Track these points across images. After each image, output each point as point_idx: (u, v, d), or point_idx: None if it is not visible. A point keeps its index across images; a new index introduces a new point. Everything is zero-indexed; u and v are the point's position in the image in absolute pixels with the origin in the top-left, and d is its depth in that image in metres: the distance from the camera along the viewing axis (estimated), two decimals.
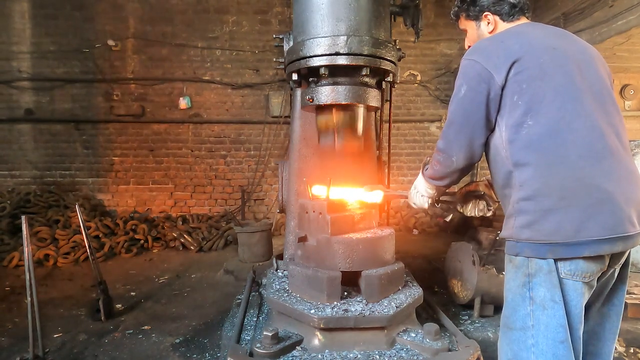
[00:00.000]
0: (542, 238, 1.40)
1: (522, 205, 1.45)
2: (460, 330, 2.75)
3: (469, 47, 1.81)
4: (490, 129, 1.55)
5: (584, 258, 1.38)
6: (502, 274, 2.97)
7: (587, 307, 1.49)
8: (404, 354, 2.05)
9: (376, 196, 2.20)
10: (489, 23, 1.76)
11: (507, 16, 1.71)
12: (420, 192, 1.86)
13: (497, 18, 1.74)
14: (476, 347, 2.17)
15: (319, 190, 2.46)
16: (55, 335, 3.08)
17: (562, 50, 1.51)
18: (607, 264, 1.44)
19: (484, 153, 1.63)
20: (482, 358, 2.19)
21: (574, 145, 1.40)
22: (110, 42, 6.50)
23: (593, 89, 1.48)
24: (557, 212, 1.38)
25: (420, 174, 1.84)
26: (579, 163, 1.39)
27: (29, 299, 2.58)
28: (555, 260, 1.40)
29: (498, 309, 3.10)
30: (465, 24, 1.86)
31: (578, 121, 1.42)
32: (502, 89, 1.48)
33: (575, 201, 1.37)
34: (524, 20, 1.72)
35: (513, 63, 1.46)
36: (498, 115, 1.52)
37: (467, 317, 3.26)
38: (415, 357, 2.02)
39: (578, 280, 1.39)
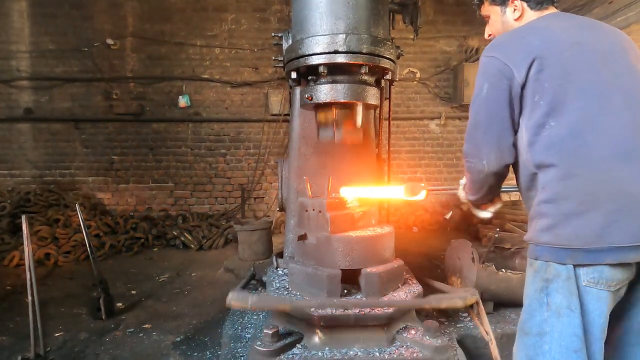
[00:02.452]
0: (562, 243, 1.34)
1: (542, 207, 1.40)
2: (460, 327, 2.76)
3: (490, 35, 1.75)
4: (515, 129, 1.48)
5: (610, 265, 1.31)
6: (502, 271, 2.98)
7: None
8: (403, 351, 2.06)
9: (419, 195, 2.05)
10: (515, 9, 1.63)
11: (535, 4, 1.60)
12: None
13: (524, 5, 1.61)
14: (474, 291, 2.19)
15: (346, 192, 2.44)
16: (56, 334, 3.09)
17: (587, 45, 1.43)
18: (635, 272, 1.36)
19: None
20: (480, 301, 2.20)
21: (597, 147, 1.33)
22: (109, 41, 6.48)
23: (624, 85, 1.39)
24: (578, 217, 1.32)
25: (461, 189, 1.78)
26: (603, 165, 1.31)
27: (29, 298, 2.58)
28: (575, 267, 1.33)
29: (497, 306, 3.11)
30: (489, 9, 1.72)
31: (604, 121, 1.34)
32: (522, 87, 1.41)
33: (597, 205, 1.30)
34: (551, 10, 1.61)
35: (533, 61, 1.39)
36: (520, 117, 1.46)
37: (466, 314, 3.27)
38: (415, 354, 2.03)
39: (603, 289, 1.32)
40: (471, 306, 2.70)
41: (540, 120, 1.39)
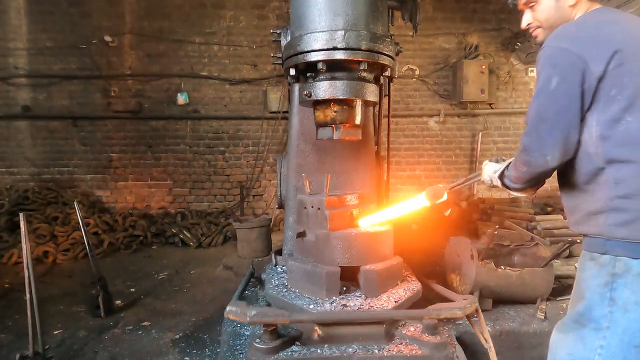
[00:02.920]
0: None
1: (618, 202, 1.38)
2: (459, 324, 2.76)
3: (529, 25, 1.66)
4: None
5: None
6: (501, 268, 2.98)
7: None
8: (402, 348, 2.05)
9: (442, 197, 2.00)
10: None
11: None
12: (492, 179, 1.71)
13: None
14: (473, 299, 2.21)
15: (367, 222, 2.43)
16: (55, 332, 3.09)
17: None
18: None
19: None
20: (479, 309, 2.21)
21: None
22: (107, 38, 6.46)
23: None
24: None
25: (497, 175, 1.69)
26: None
27: (28, 295, 2.58)
28: None
29: (496, 302, 3.11)
30: None
31: None
32: (599, 80, 1.36)
33: None
34: (598, 5, 1.55)
35: (614, 53, 1.35)
36: (588, 110, 1.41)
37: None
38: (414, 351, 2.03)
39: None
40: None
41: (616, 115, 1.37)
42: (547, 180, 1.57)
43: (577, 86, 1.38)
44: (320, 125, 2.51)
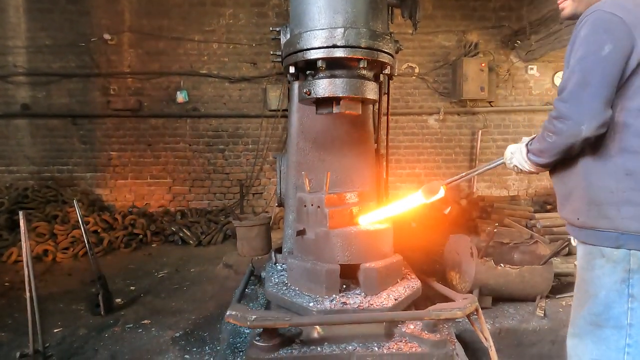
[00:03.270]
0: None
1: (630, 195, 1.34)
2: (458, 321, 2.77)
3: (561, 2, 1.58)
4: None
5: None
6: (500, 266, 2.99)
7: None
8: (402, 346, 2.06)
9: (438, 193, 1.99)
10: None
11: None
12: (518, 161, 1.63)
13: None
14: (473, 299, 2.21)
15: (366, 219, 2.43)
16: (55, 330, 3.09)
17: None
18: None
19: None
20: (479, 308, 2.21)
21: None
22: (106, 36, 6.44)
23: None
24: None
25: (523, 147, 1.60)
26: None
27: (28, 294, 2.58)
28: None
29: (496, 300, 3.12)
30: None
31: None
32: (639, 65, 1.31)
33: None
34: None
35: None
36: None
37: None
38: (414, 349, 2.03)
39: None
40: None
41: None
42: (547, 178, 1.55)
43: (623, 60, 1.32)
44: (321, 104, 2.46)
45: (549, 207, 6.07)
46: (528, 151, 1.58)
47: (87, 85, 6.56)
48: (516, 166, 1.65)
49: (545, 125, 1.47)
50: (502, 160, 1.77)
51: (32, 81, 6.45)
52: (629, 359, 1.35)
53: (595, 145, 1.41)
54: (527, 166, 1.60)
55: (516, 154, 1.64)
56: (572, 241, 1.70)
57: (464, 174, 2.04)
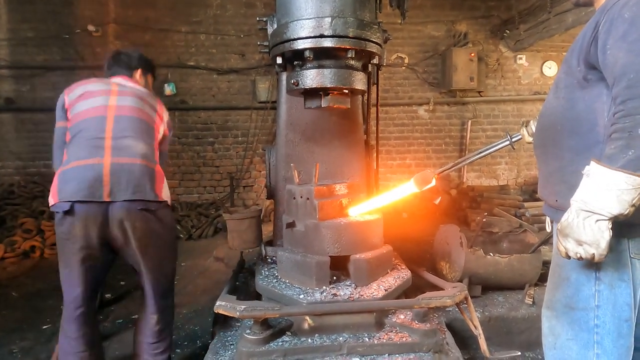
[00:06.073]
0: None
1: None
2: (449, 311, 2.79)
3: None
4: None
5: None
6: (490, 255, 3.01)
7: None
8: (393, 336, 2.07)
9: (430, 182, 1.96)
10: None
11: None
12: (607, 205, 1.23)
13: None
14: (463, 287, 2.23)
15: (356, 210, 2.41)
16: (44, 327, 3.06)
17: None
18: None
19: (563, 108, 1.45)
20: (469, 297, 2.24)
21: None
22: (91, 28, 6.31)
23: None
24: None
25: (607, 170, 1.22)
26: None
27: None
28: (629, 240, 1.37)
29: (485, 289, 3.15)
30: None
31: None
32: None
33: None
34: None
35: None
36: None
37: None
38: (404, 339, 2.05)
39: None
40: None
41: None
42: (536, 167, 1.55)
43: None
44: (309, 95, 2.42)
45: (537, 195, 6.13)
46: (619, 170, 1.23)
47: (72, 78, 6.25)
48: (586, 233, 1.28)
49: (625, 126, 1.22)
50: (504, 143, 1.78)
51: (15, 74, 6.32)
52: (597, 339, 1.41)
53: (583, 129, 1.42)
54: (627, 206, 1.21)
55: (593, 214, 1.26)
56: (547, 227, 1.78)
57: (454, 163, 2.03)
